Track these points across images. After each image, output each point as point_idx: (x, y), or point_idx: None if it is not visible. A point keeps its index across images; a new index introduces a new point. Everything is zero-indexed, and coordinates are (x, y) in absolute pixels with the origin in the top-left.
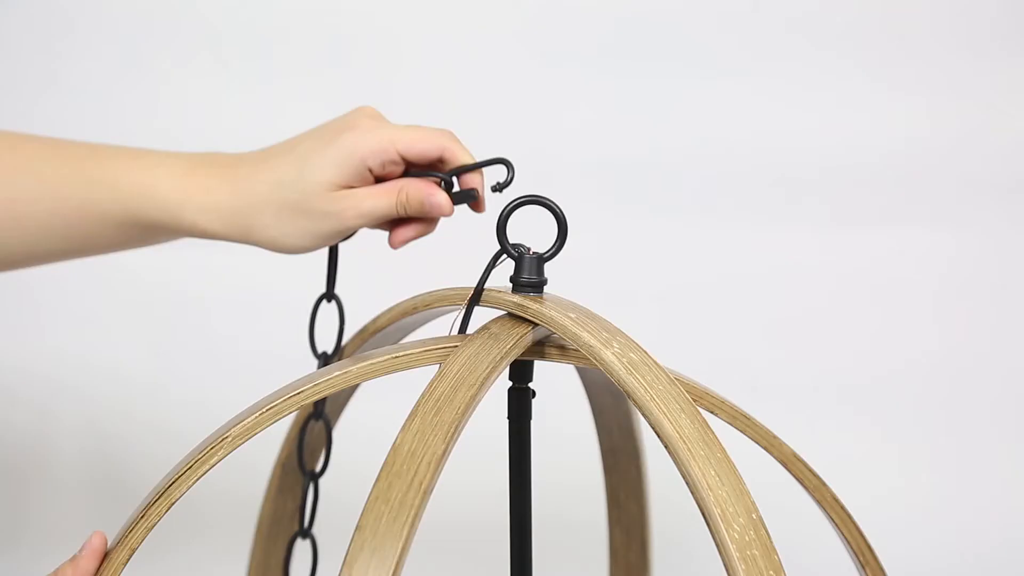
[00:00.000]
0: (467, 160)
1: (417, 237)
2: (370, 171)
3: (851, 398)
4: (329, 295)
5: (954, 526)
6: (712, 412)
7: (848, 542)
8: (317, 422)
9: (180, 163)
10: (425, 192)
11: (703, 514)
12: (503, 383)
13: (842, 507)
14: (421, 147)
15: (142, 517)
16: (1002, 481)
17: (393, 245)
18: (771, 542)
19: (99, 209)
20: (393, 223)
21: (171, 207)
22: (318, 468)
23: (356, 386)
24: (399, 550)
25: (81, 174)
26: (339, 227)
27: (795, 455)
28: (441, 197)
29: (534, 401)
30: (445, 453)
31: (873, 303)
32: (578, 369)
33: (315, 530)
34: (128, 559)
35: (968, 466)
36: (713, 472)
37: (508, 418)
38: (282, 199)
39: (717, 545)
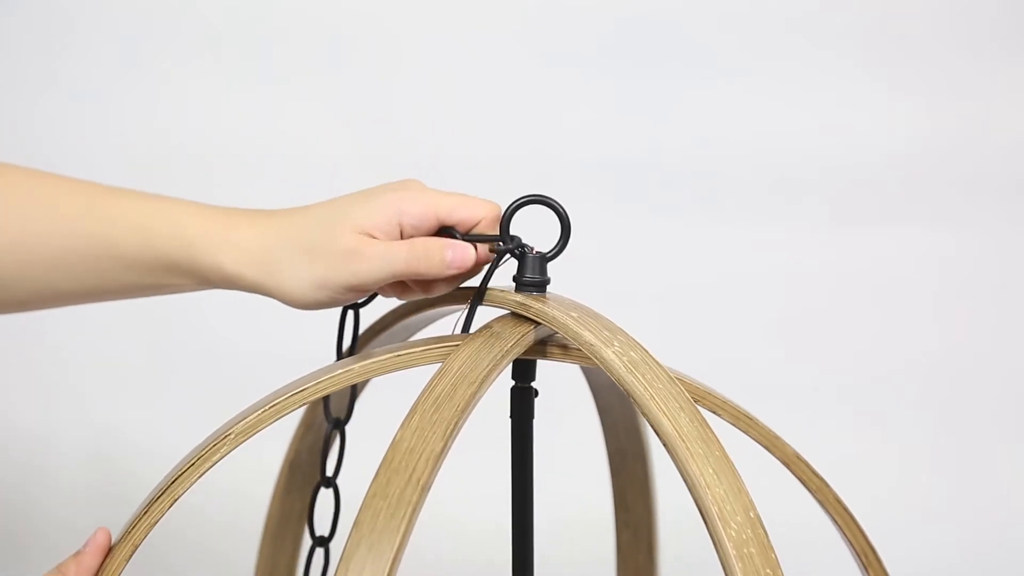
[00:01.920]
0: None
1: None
2: (402, 231)
3: (851, 398)
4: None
5: (954, 526)
6: (714, 412)
7: (851, 543)
8: (334, 430)
9: (210, 207)
10: (445, 242)
11: (700, 512)
12: (506, 382)
13: (845, 508)
14: (462, 214)
15: (145, 514)
16: (1002, 481)
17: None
18: (768, 540)
19: (117, 247)
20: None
21: (196, 242)
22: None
23: (363, 387)
24: (396, 546)
25: (100, 210)
26: (349, 273)
27: (797, 456)
28: (463, 246)
29: (537, 400)
30: (444, 450)
31: (873, 303)
32: (584, 369)
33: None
34: (131, 555)
35: (968, 466)
36: (711, 470)
37: (511, 417)
38: (305, 239)
39: (714, 543)
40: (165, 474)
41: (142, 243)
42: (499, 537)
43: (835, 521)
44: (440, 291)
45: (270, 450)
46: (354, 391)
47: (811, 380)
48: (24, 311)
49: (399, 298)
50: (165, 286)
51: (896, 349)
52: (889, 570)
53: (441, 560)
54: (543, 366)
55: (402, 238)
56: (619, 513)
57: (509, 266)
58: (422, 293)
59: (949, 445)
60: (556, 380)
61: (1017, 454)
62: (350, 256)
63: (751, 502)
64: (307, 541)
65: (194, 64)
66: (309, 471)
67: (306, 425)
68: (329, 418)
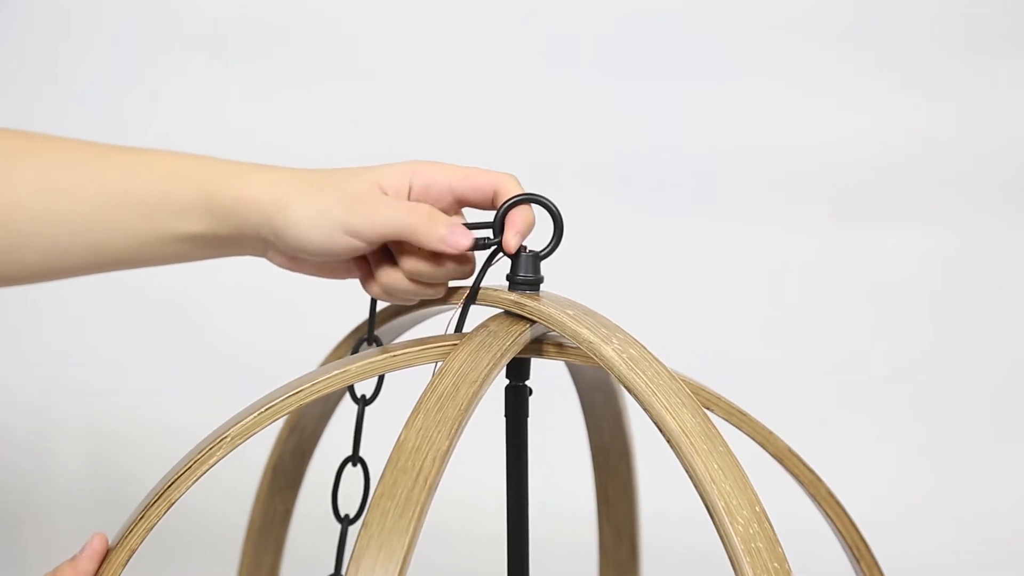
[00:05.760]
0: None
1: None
2: (411, 190)
3: (850, 396)
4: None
5: (952, 525)
6: (708, 408)
7: (843, 537)
8: (355, 466)
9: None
10: (448, 219)
11: (707, 507)
12: (500, 381)
13: (837, 502)
14: (475, 179)
15: (141, 518)
16: (1001, 480)
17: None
18: (775, 534)
19: (133, 190)
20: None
21: (214, 175)
22: (352, 513)
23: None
24: (406, 545)
25: (119, 158)
26: (351, 214)
27: (790, 450)
28: (463, 230)
29: (531, 399)
30: (449, 449)
31: (872, 302)
32: (569, 367)
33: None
34: (128, 560)
35: (966, 465)
36: (716, 466)
37: (505, 416)
38: (321, 177)
39: (721, 538)
40: (163, 474)
41: (158, 185)
42: (494, 534)
43: (827, 515)
44: (424, 277)
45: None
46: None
47: (810, 378)
48: (35, 280)
49: (386, 292)
50: (175, 239)
51: (895, 348)
52: (887, 568)
53: (436, 557)
54: (536, 364)
55: (411, 193)
56: (601, 510)
57: (501, 266)
58: (404, 287)
59: (947, 444)
60: (550, 378)
61: (1015, 453)
62: (358, 199)
63: (756, 496)
64: (290, 543)
65: (194, 64)
66: (292, 475)
67: (289, 428)
68: (356, 398)
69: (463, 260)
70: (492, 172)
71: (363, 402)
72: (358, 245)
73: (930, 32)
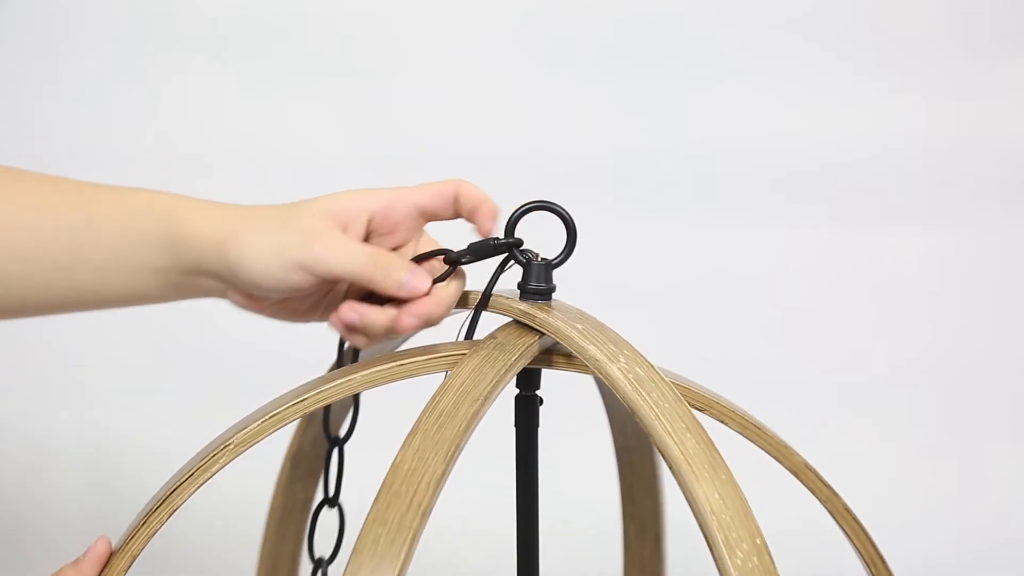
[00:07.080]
0: (479, 195)
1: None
2: (371, 221)
3: (850, 397)
4: None
5: (954, 524)
6: (721, 421)
7: (860, 552)
8: (333, 448)
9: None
10: (408, 265)
11: (706, 539)
12: (510, 390)
13: (854, 517)
14: (435, 189)
15: (143, 524)
16: (1002, 480)
17: (400, 327)
18: (775, 568)
19: (95, 226)
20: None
21: (174, 211)
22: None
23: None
24: (396, 572)
25: (80, 195)
26: (308, 251)
27: (807, 465)
28: (422, 275)
29: (541, 408)
30: (445, 473)
31: (872, 302)
32: None
33: None
34: (129, 566)
35: (968, 465)
36: (717, 495)
37: (515, 426)
38: (275, 212)
39: (720, 572)
40: (165, 478)
41: (119, 216)
42: (504, 544)
43: (844, 530)
44: (385, 323)
45: (267, 451)
46: (356, 405)
47: (810, 379)
48: (12, 317)
49: (347, 332)
50: (139, 270)
51: (895, 348)
52: (890, 569)
53: (445, 567)
54: (547, 373)
55: (369, 226)
56: (626, 507)
57: (513, 272)
58: (367, 329)
59: (948, 444)
60: (561, 387)
61: (1016, 453)
62: (313, 234)
63: (758, 528)
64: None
65: (194, 64)
66: (312, 462)
67: (307, 419)
68: (328, 436)
69: (457, 275)
70: (443, 181)
71: (336, 442)
72: (312, 280)
73: (930, 32)
